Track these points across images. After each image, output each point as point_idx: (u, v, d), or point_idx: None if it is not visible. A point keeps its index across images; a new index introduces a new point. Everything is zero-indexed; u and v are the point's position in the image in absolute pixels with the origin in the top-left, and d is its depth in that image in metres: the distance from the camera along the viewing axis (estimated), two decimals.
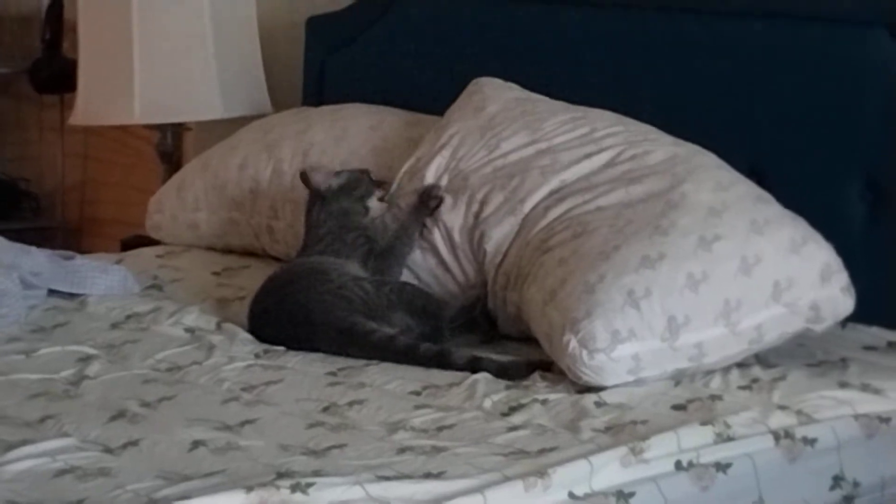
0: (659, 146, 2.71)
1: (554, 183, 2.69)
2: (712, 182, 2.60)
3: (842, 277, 2.51)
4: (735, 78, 2.91)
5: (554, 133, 2.78)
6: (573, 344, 2.38)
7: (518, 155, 2.77)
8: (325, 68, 3.58)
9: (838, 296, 2.50)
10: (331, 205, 2.81)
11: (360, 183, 2.83)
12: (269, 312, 2.69)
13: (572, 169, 2.70)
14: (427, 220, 2.77)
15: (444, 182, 2.81)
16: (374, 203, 2.82)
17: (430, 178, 2.82)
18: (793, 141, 2.84)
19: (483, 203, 2.73)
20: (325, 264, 2.71)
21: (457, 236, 2.74)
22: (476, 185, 2.76)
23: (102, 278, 2.98)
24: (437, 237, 2.76)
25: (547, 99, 2.90)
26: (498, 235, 2.68)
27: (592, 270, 2.46)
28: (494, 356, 2.54)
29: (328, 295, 2.63)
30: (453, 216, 2.75)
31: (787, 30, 2.88)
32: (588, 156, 2.71)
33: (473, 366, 2.49)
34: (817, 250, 2.51)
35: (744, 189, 2.62)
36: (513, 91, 2.93)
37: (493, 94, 2.93)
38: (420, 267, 2.76)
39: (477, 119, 2.87)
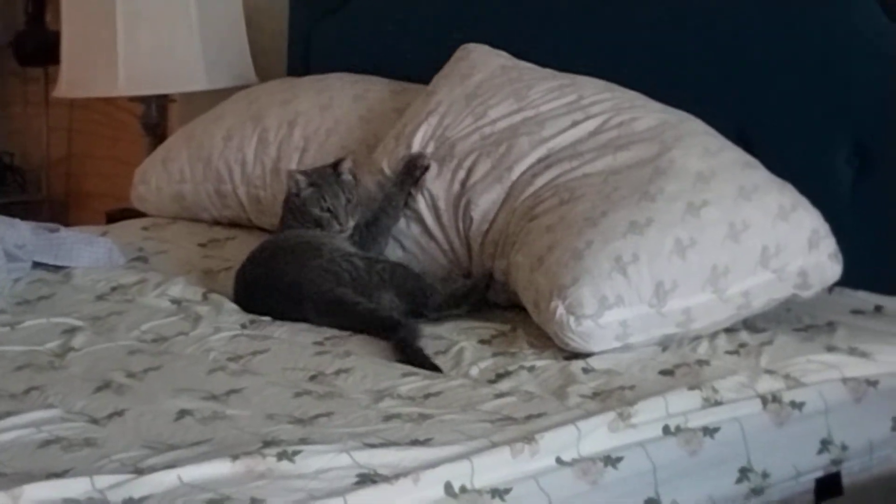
0: (646, 113, 2.70)
1: (541, 150, 2.68)
2: (700, 148, 2.59)
3: (829, 244, 2.50)
4: (723, 44, 2.90)
5: (541, 100, 2.77)
6: (560, 310, 2.37)
7: (505, 122, 2.76)
8: (310, 38, 3.56)
9: (826, 262, 2.50)
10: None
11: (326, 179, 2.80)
12: (257, 284, 2.68)
13: (559, 137, 2.69)
14: (412, 189, 2.76)
15: (430, 150, 2.80)
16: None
17: (416, 145, 2.81)
18: (780, 107, 2.83)
19: (470, 170, 2.72)
20: (317, 238, 2.70)
21: (442, 204, 2.73)
22: (462, 152, 2.75)
23: (87, 250, 2.97)
24: (422, 205, 2.75)
25: (534, 66, 2.89)
26: (484, 203, 2.67)
27: (580, 236, 2.45)
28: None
29: (318, 269, 2.61)
30: (438, 184, 2.74)
31: None
32: (575, 123, 2.70)
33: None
34: (805, 216, 2.51)
35: (732, 155, 2.61)
36: (500, 58, 2.92)
37: (480, 61, 2.91)
38: (405, 235, 2.75)
39: (464, 86, 2.86)
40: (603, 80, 2.81)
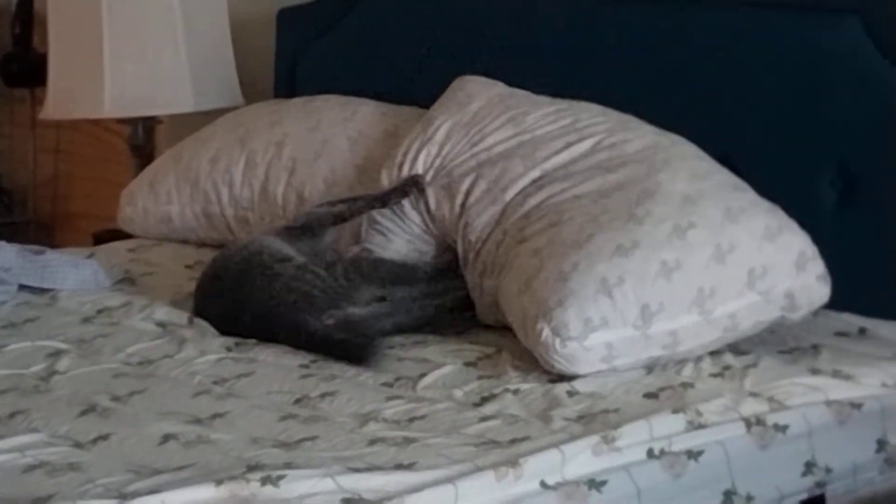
0: (639, 135, 2.71)
1: (535, 172, 2.69)
2: (688, 171, 2.60)
3: (817, 265, 2.51)
4: (707, 66, 2.91)
5: (537, 125, 2.78)
6: (546, 332, 2.37)
7: (502, 147, 2.77)
8: (297, 61, 3.57)
9: (814, 284, 2.51)
10: None
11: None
12: (226, 315, 2.67)
13: (553, 158, 2.70)
14: (416, 218, 2.75)
15: (429, 176, 2.80)
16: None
17: (418, 170, 2.81)
18: (764, 129, 2.84)
19: (467, 194, 2.72)
20: (262, 251, 2.67)
21: (441, 230, 2.72)
22: (460, 176, 2.75)
23: (73, 273, 2.97)
24: (422, 231, 2.74)
25: (530, 94, 2.90)
26: (480, 224, 2.68)
27: (566, 259, 2.45)
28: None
29: (284, 293, 2.59)
30: (439, 211, 2.74)
31: (759, 17, 2.88)
32: (569, 145, 2.71)
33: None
34: (792, 238, 2.52)
35: (720, 178, 2.62)
36: (497, 87, 2.93)
37: (476, 91, 2.92)
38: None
39: (462, 114, 2.86)
40: (600, 105, 2.81)
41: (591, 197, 2.59)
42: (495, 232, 2.65)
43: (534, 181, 2.68)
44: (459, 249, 2.71)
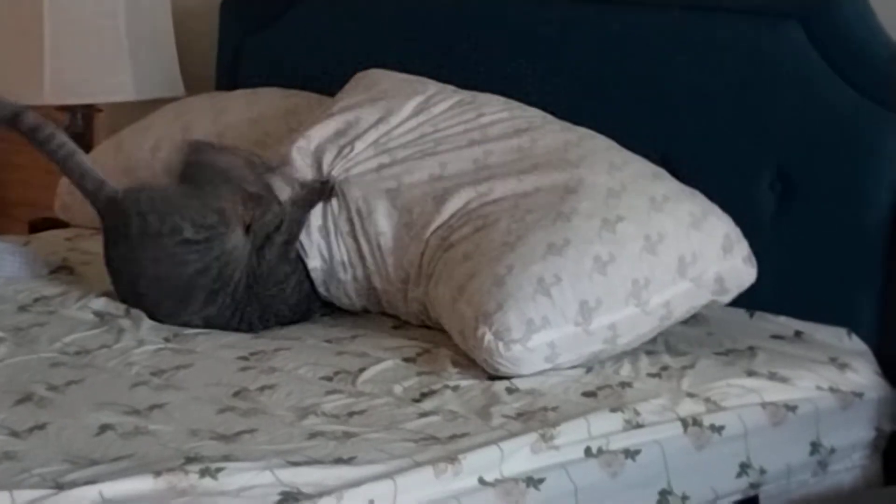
0: (546, 133, 2.70)
1: (434, 169, 2.67)
2: (606, 164, 2.61)
3: (742, 247, 2.54)
4: (647, 68, 2.92)
5: (440, 117, 2.75)
6: (488, 337, 2.38)
7: (404, 139, 2.74)
8: (240, 52, 3.55)
9: (741, 266, 2.53)
10: None
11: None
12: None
13: (454, 155, 2.67)
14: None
15: (332, 153, 2.75)
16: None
17: (317, 140, 2.77)
18: (705, 131, 2.86)
19: (368, 198, 2.68)
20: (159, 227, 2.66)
21: (344, 227, 2.69)
22: (360, 175, 2.71)
23: (10, 260, 2.94)
24: (329, 240, 2.71)
25: (436, 82, 2.87)
26: (384, 226, 2.65)
27: (499, 262, 2.46)
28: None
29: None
30: (343, 213, 2.70)
31: (700, 20, 2.90)
32: (472, 143, 2.70)
33: None
34: (717, 223, 2.54)
35: (638, 167, 2.63)
36: (402, 76, 2.91)
37: (382, 76, 2.91)
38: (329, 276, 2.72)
39: (368, 94, 2.85)
40: (503, 100, 2.79)
41: (511, 199, 2.58)
42: (410, 239, 2.62)
43: (439, 181, 2.65)
44: (367, 254, 2.67)
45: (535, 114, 2.77)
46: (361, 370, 2.43)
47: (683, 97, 2.88)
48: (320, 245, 2.70)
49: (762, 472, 2.36)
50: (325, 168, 2.75)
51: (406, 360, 2.49)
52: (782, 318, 2.69)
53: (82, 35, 3.58)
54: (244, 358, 2.49)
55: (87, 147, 3.68)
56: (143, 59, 3.61)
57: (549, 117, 2.76)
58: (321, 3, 3.46)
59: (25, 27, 3.59)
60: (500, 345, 2.37)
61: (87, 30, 3.58)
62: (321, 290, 2.72)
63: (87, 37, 3.58)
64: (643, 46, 2.94)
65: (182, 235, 2.63)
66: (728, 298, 2.54)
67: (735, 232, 2.54)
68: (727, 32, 2.86)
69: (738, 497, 2.35)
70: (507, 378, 2.39)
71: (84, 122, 3.75)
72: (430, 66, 2.99)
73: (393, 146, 2.74)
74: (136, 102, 3.60)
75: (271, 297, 2.66)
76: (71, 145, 2.80)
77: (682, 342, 2.56)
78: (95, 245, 3.14)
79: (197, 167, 2.72)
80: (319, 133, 2.79)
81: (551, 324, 2.39)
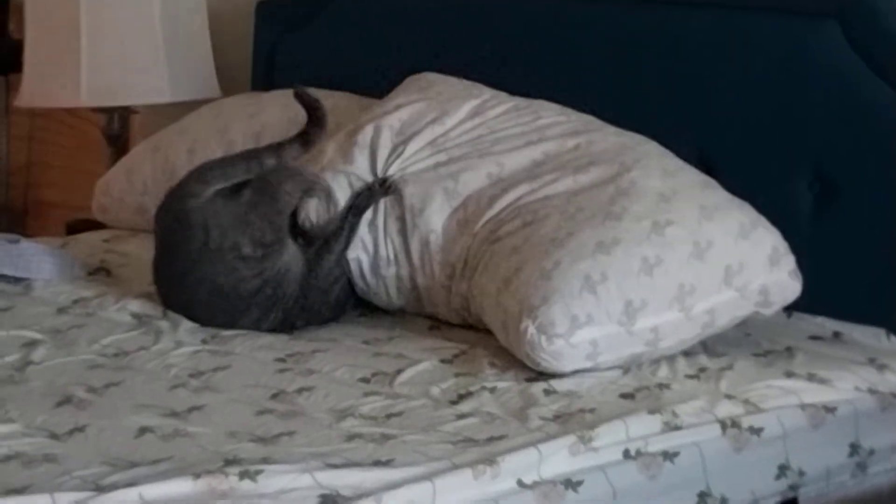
0: (603, 136, 2.72)
1: (494, 169, 2.68)
2: (659, 169, 2.61)
3: (789, 261, 2.53)
4: (685, 69, 2.92)
5: (498, 120, 2.77)
6: (531, 330, 2.38)
7: (462, 136, 2.75)
8: (275, 53, 3.56)
9: (786, 279, 2.52)
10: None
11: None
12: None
13: (514, 157, 2.69)
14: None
15: (387, 149, 2.75)
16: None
17: (372, 138, 2.77)
18: (742, 132, 2.85)
19: (425, 196, 2.69)
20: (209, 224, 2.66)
21: (396, 224, 2.70)
22: (418, 175, 2.72)
23: (48, 262, 2.95)
24: (370, 229, 2.72)
25: (490, 88, 2.89)
26: (436, 224, 2.66)
27: (547, 257, 2.46)
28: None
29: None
30: (393, 207, 2.71)
31: (737, 20, 2.89)
32: (530, 144, 2.71)
33: None
34: (766, 234, 2.53)
35: (690, 175, 2.64)
36: (457, 80, 2.93)
37: (437, 79, 2.92)
38: (364, 267, 2.72)
39: (422, 94, 2.85)
40: (557, 105, 2.81)
41: (563, 196, 2.59)
42: (458, 231, 2.63)
43: (491, 178, 2.66)
44: (415, 252, 2.68)
45: (589, 118, 2.77)
46: (399, 371, 2.43)
47: (721, 96, 2.87)
48: (365, 239, 2.71)
49: (801, 473, 2.35)
50: (381, 165, 2.76)
51: (443, 361, 2.49)
52: (820, 319, 2.68)
53: (119, 37, 3.60)
54: (282, 360, 2.50)
55: (123, 148, 3.70)
56: (179, 61, 3.63)
57: (602, 122, 2.76)
58: (356, 4, 3.46)
59: (62, 30, 3.60)
60: (543, 338, 2.37)
61: (123, 32, 3.60)
62: (359, 283, 2.72)
63: (124, 39, 3.60)
64: (681, 46, 2.93)
65: (241, 252, 2.63)
66: (771, 311, 2.53)
67: (783, 245, 2.53)
68: (765, 31, 2.85)
69: (776, 499, 2.34)
70: (544, 379, 2.38)
71: (120, 124, 3.77)
72: (467, 67, 3.00)
73: (449, 146, 2.75)
74: (171, 104, 3.62)
75: (319, 301, 2.67)
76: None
77: (719, 343, 2.55)
78: (132, 246, 3.17)
79: (256, 181, 2.70)
80: (374, 131, 2.79)
81: (595, 321, 2.39)
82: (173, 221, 2.69)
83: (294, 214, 2.68)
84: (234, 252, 2.62)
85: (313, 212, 2.70)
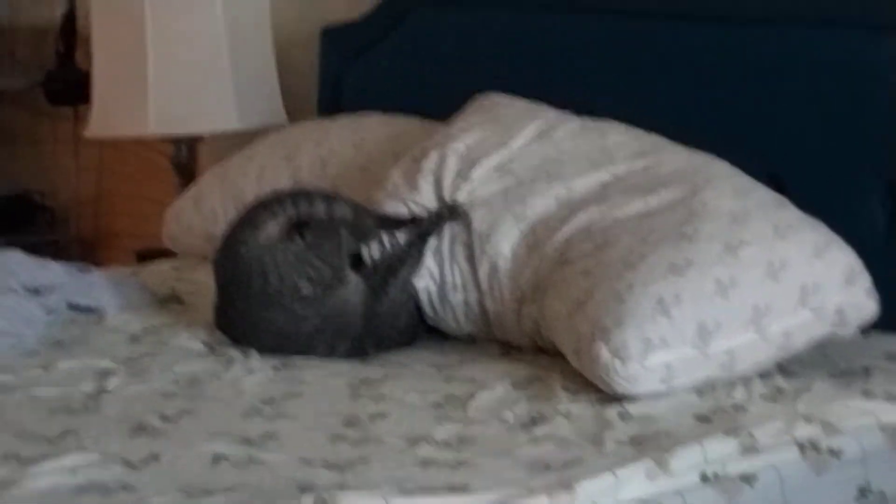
0: (671, 156, 2.70)
1: (562, 192, 2.67)
2: (731, 189, 2.59)
3: (865, 280, 2.50)
4: (751, 86, 2.90)
5: (564, 142, 2.76)
6: (605, 353, 2.36)
7: (528, 160, 2.74)
8: (341, 79, 3.57)
9: (863, 299, 2.49)
10: None
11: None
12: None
13: (582, 180, 2.68)
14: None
15: (451, 173, 2.75)
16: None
17: (434, 167, 2.77)
18: (811, 149, 2.83)
19: (491, 217, 2.68)
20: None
21: (462, 249, 2.70)
22: (484, 199, 2.72)
23: (120, 291, 2.97)
24: (434, 252, 2.71)
25: (555, 109, 2.88)
26: (505, 246, 2.65)
27: (619, 279, 2.44)
28: None
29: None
30: (459, 228, 2.71)
31: (802, 35, 2.87)
32: (598, 166, 2.70)
33: None
34: (840, 254, 2.51)
35: (762, 195, 2.61)
36: (521, 101, 2.92)
37: (502, 102, 2.92)
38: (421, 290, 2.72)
39: (487, 116, 2.85)
40: (624, 125, 2.80)
41: (634, 219, 2.57)
42: (528, 254, 2.62)
43: (560, 201, 2.65)
44: (483, 277, 2.66)
45: (656, 138, 2.76)
46: (471, 396, 2.42)
47: (790, 113, 2.85)
48: (431, 267, 2.70)
49: (882, 496, 2.31)
50: (446, 190, 2.75)
51: (515, 385, 2.48)
52: None
53: (185, 66, 3.62)
54: (353, 386, 2.49)
55: (191, 176, 3.72)
56: (246, 89, 3.64)
57: (670, 142, 2.74)
58: (420, 29, 3.47)
59: (129, 60, 3.63)
60: (617, 362, 2.35)
61: (190, 61, 3.62)
62: (428, 312, 2.72)
63: (191, 67, 3.62)
64: (747, 63, 2.91)
65: (300, 293, 2.63)
66: (848, 332, 2.50)
67: (858, 264, 2.50)
68: (830, 46, 2.83)
69: None
70: (618, 402, 2.36)
71: (188, 152, 3.79)
72: (532, 88, 2.99)
73: (516, 169, 2.74)
74: (238, 132, 3.63)
75: (388, 326, 2.66)
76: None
77: (795, 363, 2.52)
78: (202, 274, 3.18)
79: (314, 221, 2.71)
80: (439, 157, 2.79)
81: (669, 345, 2.37)
82: (231, 268, 2.69)
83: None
84: (294, 294, 2.62)
85: (376, 250, 2.70)
